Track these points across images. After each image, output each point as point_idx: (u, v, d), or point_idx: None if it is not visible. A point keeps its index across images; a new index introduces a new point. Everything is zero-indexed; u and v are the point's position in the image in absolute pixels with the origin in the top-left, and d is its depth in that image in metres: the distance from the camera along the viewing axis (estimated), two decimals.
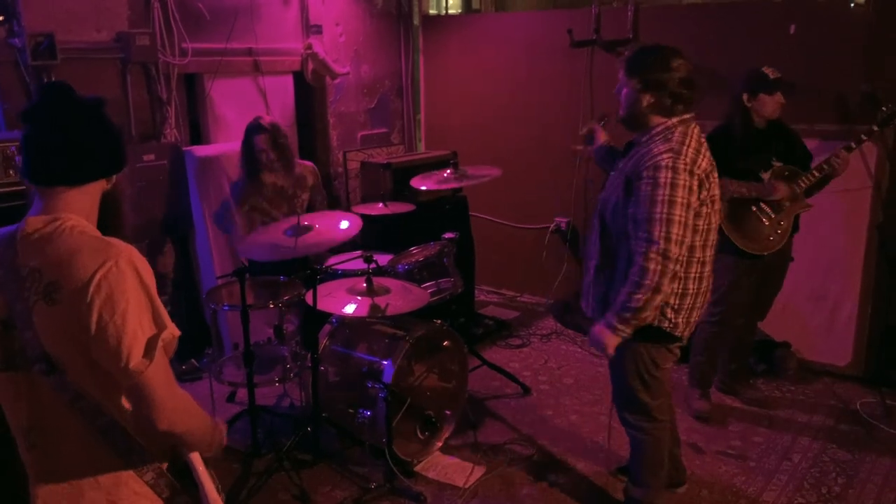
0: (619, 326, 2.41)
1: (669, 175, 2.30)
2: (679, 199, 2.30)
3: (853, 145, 3.43)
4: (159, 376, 1.40)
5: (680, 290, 2.45)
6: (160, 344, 1.40)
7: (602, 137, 2.92)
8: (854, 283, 4.05)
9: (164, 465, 1.53)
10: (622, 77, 2.48)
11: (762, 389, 4.02)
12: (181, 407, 1.46)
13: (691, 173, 2.33)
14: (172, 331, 1.44)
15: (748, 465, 3.32)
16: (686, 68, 2.41)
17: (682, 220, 2.32)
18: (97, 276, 1.35)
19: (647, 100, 2.42)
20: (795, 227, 3.56)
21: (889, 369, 3.93)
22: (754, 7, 4.27)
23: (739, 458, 3.36)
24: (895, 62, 3.83)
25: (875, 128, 3.45)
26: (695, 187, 2.34)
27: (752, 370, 4.15)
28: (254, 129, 3.84)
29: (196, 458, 1.55)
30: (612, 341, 2.44)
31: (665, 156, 2.33)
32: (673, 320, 2.48)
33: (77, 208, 1.47)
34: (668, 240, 2.30)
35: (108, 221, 1.54)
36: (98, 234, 1.46)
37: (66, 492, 1.47)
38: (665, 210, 2.30)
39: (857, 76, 3.89)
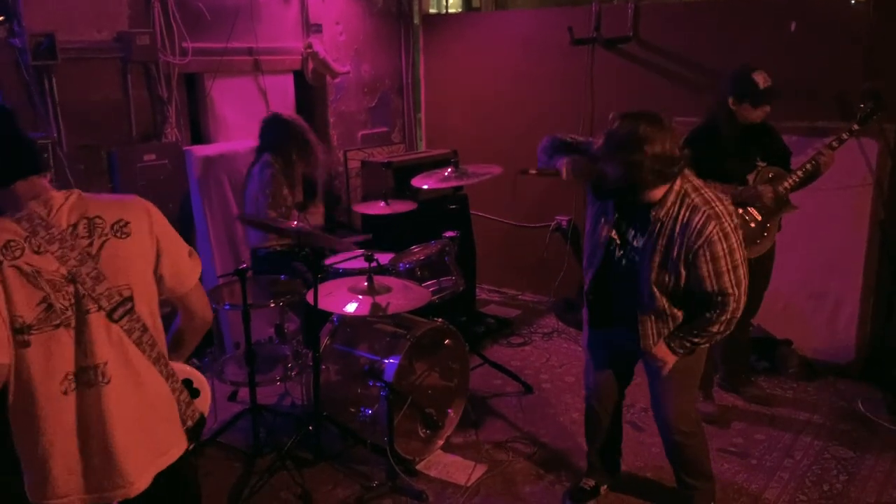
0: (681, 352, 2.55)
1: (724, 246, 2.36)
2: (739, 259, 2.39)
3: (835, 144, 3.40)
4: None
5: None
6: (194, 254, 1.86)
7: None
8: (856, 280, 4.05)
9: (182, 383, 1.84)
10: (601, 150, 2.41)
11: (764, 387, 4.01)
12: None
13: (733, 221, 2.39)
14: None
15: (750, 462, 3.32)
16: (661, 145, 2.29)
17: (746, 270, 2.43)
18: (150, 210, 1.77)
19: (631, 178, 2.34)
20: (778, 226, 3.54)
21: (891, 367, 3.92)
22: (755, 4, 4.26)
23: (741, 456, 3.36)
24: None
25: (855, 126, 3.44)
26: (738, 228, 2.42)
27: (754, 368, 4.15)
28: (290, 117, 3.96)
29: (195, 370, 1.98)
30: (672, 360, 2.58)
31: (710, 227, 2.34)
32: None
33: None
34: (738, 299, 2.42)
35: None
36: None
37: (136, 416, 1.70)
38: (732, 277, 2.39)
39: (858, 73, 3.88)
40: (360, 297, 3.13)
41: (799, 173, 3.40)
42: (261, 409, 3.40)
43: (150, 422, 1.72)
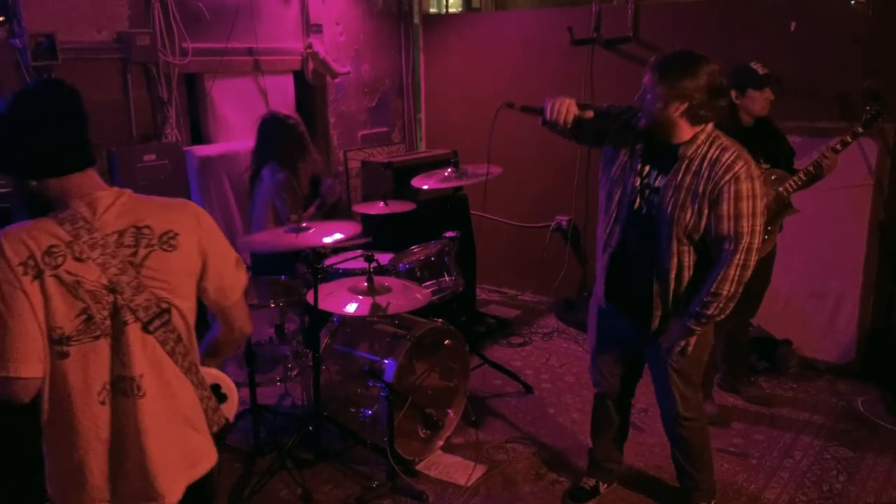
0: (697, 328, 2.54)
1: (750, 186, 2.37)
2: (760, 210, 2.39)
3: (839, 147, 3.40)
4: None
5: None
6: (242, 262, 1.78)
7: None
8: (855, 280, 4.05)
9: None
10: (648, 82, 2.42)
11: (764, 387, 4.01)
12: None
13: (758, 171, 2.44)
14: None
15: (750, 462, 3.32)
16: (715, 74, 2.36)
17: (761, 230, 2.41)
18: (200, 219, 1.70)
19: (676, 108, 2.37)
20: (779, 227, 3.54)
21: (891, 366, 3.92)
22: (755, 4, 4.26)
23: (741, 456, 3.36)
24: None
25: (860, 129, 3.43)
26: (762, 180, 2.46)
27: (754, 368, 4.15)
28: (289, 118, 3.89)
29: (225, 375, 1.90)
30: (692, 340, 2.58)
31: (739, 165, 2.36)
32: None
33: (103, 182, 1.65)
34: (749, 251, 2.40)
35: None
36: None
37: (168, 428, 1.65)
38: (750, 223, 2.38)
39: (858, 73, 3.88)
40: (360, 297, 3.13)
41: (802, 175, 3.40)
42: (261, 410, 3.40)
43: (181, 433, 1.68)
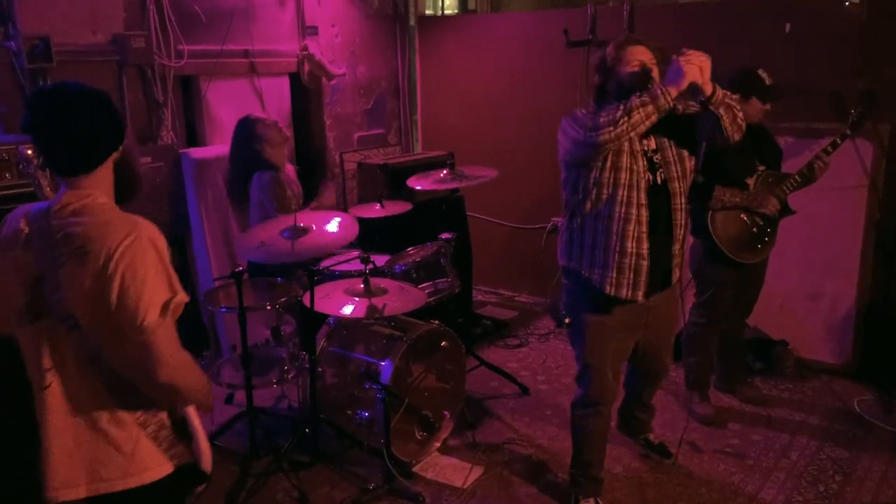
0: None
1: None
2: None
3: (830, 149, 3.43)
4: (167, 335, 1.62)
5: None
6: (172, 306, 1.61)
7: None
8: (851, 280, 4.06)
9: (167, 420, 1.74)
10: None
11: (760, 388, 4.02)
12: (182, 364, 1.66)
13: None
14: (183, 297, 1.65)
15: (746, 463, 3.32)
16: None
17: None
18: (122, 247, 1.58)
19: None
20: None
21: (886, 367, 3.93)
22: (750, 6, 4.27)
23: (737, 457, 3.37)
24: (891, 59, 3.84)
25: (848, 131, 3.46)
26: None
27: (750, 369, 4.16)
28: (257, 121, 3.81)
29: (191, 412, 1.80)
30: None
31: None
32: None
33: (97, 184, 1.69)
34: None
35: (126, 184, 1.77)
36: (119, 210, 1.69)
37: (72, 429, 1.67)
38: None
39: (853, 74, 3.89)
40: (357, 299, 3.13)
41: (797, 178, 3.42)
42: (257, 412, 3.39)
43: (92, 443, 1.66)
